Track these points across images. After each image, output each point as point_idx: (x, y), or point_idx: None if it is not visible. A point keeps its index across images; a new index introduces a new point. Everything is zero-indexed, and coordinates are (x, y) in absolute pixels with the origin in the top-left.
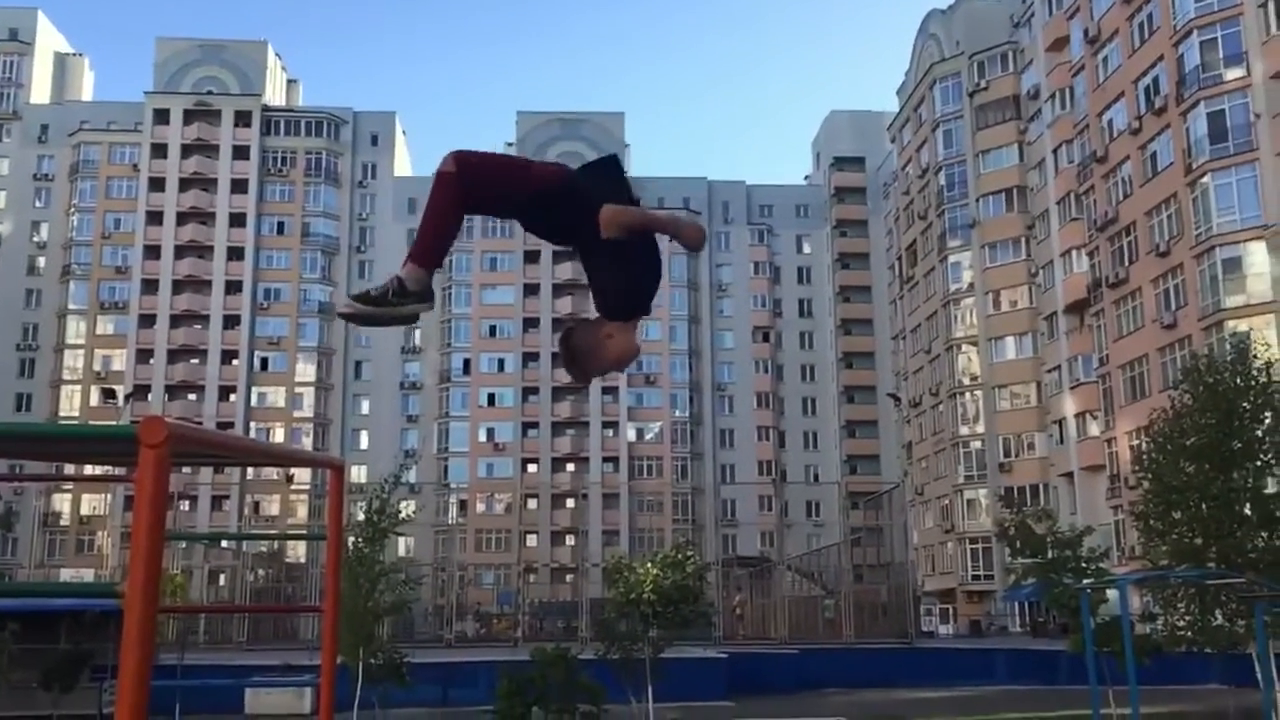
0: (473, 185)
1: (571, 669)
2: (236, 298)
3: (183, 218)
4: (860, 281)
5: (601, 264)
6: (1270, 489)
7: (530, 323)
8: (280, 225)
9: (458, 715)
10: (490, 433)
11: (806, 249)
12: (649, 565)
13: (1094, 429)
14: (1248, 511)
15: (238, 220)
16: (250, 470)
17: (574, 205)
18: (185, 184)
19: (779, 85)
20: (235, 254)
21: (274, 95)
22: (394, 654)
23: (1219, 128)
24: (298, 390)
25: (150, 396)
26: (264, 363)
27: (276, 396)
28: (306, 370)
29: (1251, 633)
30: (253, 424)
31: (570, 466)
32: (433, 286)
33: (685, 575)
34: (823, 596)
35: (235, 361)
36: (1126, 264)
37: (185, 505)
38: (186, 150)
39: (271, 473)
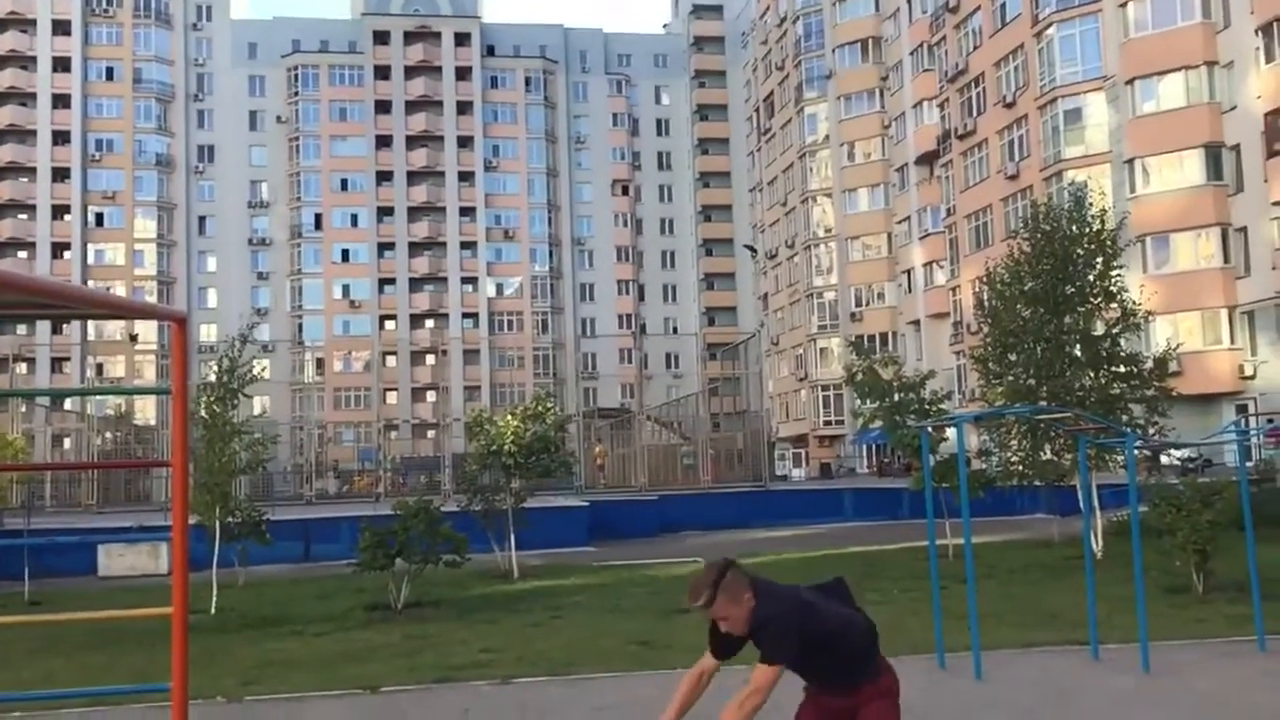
0: None
1: (434, 520)
2: (65, 149)
3: (0, 61)
4: (719, 134)
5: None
6: (1098, 331)
7: (384, 176)
8: (109, 71)
9: (320, 570)
10: (345, 289)
11: (665, 100)
12: (510, 418)
13: (940, 278)
14: (1077, 353)
15: (62, 65)
16: (91, 330)
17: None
18: (1, 25)
19: None
20: (61, 101)
21: None
22: (252, 512)
23: None
24: (138, 247)
25: None
26: (99, 218)
27: (115, 254)
28: (146, 226)
29: (1076, 466)
30: (91, 282)
31: (430, 323)
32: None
33: (546, 426)
34: (681, 445)
35: (68, 217)
36: (975, 115)
37: (23, 368)
38: None
39: (114, 332)
